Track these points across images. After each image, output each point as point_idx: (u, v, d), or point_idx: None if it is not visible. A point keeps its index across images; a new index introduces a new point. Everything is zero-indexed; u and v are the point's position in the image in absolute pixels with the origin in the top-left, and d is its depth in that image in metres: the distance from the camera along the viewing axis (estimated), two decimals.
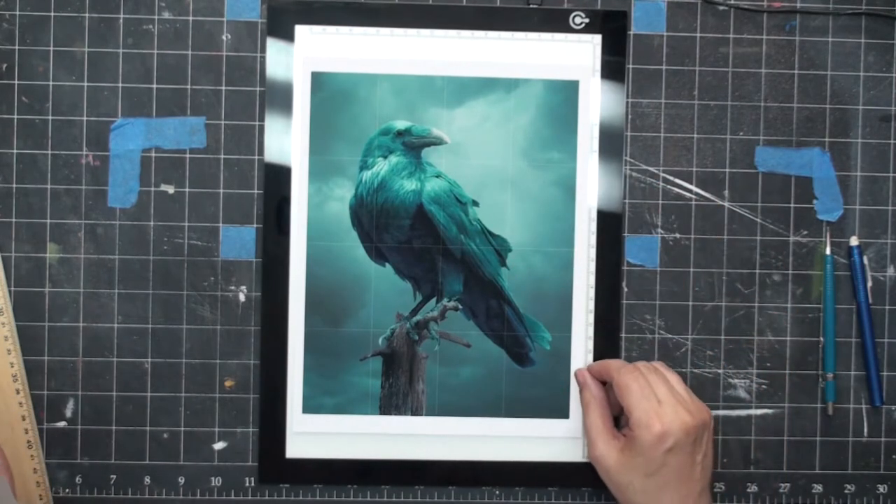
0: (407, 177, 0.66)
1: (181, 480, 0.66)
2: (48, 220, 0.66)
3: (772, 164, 0.67)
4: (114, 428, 0.66)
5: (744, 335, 0.67)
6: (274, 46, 0.66)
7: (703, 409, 0.60)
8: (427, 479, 0.67)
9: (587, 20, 0.66)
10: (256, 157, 0.66)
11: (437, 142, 0.66)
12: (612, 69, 0.66)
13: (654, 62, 0.67)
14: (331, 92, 0.65)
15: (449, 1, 0.66)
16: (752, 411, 0.68)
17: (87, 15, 0.66)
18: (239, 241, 0.66)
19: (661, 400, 0.59)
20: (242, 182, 0.66)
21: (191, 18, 0.66)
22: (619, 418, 0.65)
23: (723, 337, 0.67)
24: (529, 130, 0.66)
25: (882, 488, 0.68)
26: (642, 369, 0.61)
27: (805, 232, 0.67)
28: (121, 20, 0.66)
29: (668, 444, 0.58)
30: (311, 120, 0.65)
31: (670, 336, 0.67)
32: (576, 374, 0.65)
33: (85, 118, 0.66)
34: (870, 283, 0.67)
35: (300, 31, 0.65)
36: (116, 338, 0.66)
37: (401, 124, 0.66)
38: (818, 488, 0.68)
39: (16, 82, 0.65)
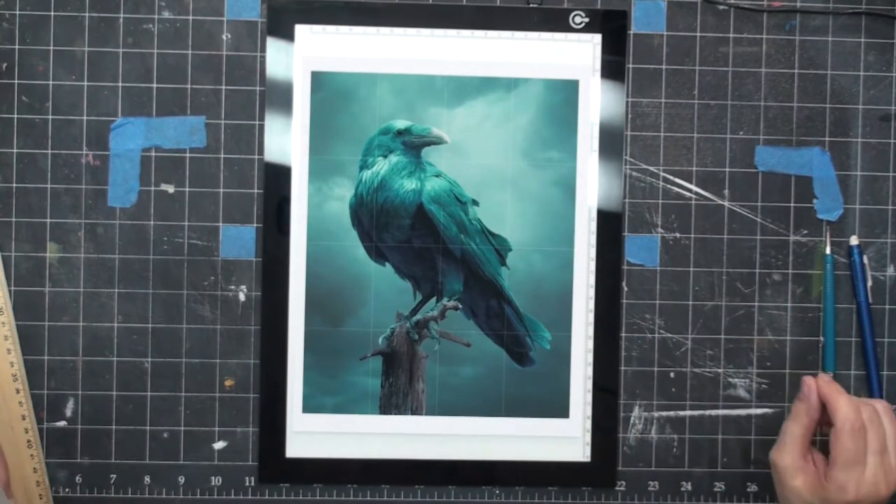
0: (407, 176, 0.66)
1: (181, 480, 0.66)
2: (48, 220, 0.66)
3: (772, 163, 0.67)
4: (114, 427, 0.66)
5: (744, 335, 0.67)
6: (274, 46, 0.66)
7: None
8: (427, 479, 0.67)
9: (587, 20, 0.66)
10: (256, 157, 0.66)
11: (437, 141, 0.66)
12: (612, 69, 0.66)
13: (654, 62, 0.67)
14: (331, 91, 0.65)
15: (449, 1, 0.66)
16: (752, 411, 0.68)
17: (87, 14, 0.66)
18: (239, 241, 0.66)
19: (867, 466, 0.58)
20: (242, 182, 0.66)
21: (191, 18, 0.66)
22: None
23: (723, 336, 0.67)
24: (529, 130, 0.66)
25: None
26: (867, 422, 0.59)
27: (805, 231, 0.67)
28: (121, 20, 0.66)
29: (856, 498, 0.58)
30: (311, 119, 0.65)
31: (670, 336, 0.67)
32: (804, 381, 0.62)
33: (85, 118, 0.66)
34: (870, 283, 0.67)
35: (300, 30, 0.65)
36: (116, 337, 0.66)
37: (401, 124, 0.66)
38: None
39: (16, 82, 0.65)
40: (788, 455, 0.60)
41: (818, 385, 0.61)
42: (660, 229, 0.67)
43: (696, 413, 0.67)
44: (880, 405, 0.61)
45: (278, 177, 0.66)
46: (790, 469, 0.60)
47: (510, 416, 0.66)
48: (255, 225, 0.66)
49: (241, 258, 0.66)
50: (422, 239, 0.66)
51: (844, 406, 0.59)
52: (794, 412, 0.62)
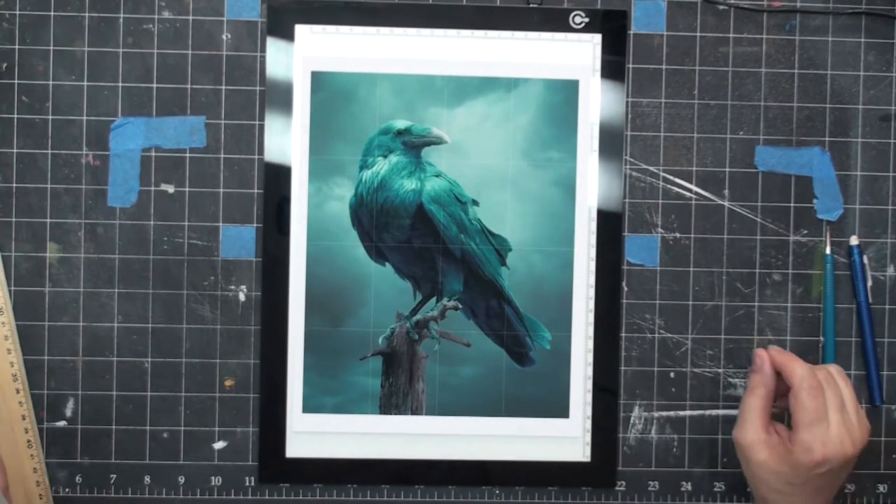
0: (407, 176, 0.66)
1: (181, 480, 0.66)
2: (48, 220, 0.66)
3: (772, 163, 0.67)
4: (114, 427, 0.66)
5: (744, 335, 0.67)
6: (274, 46, 0.66)
7: (866, 432, 0.60)
8: (427, 479, 0.67)
9: (587, 20, 0.66)
10: (256, 157, 0.66)
11: (437, 141, 0.66)
12: (612, 69, 0.66)
13: (654, 62, 0.67)
14: (331, 92, 0.65)
15: (449, 1, 0.66)
16: None
17: (87, 14, 0.66)
18: (239, 241, 0.66)
19: (830, 424, 0.59)
20: (242, 182, 0.66)
21: (191, 18, 0.66)
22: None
23: (723, 336, 0.67)
24: (529, 130, 0.66)
25: (882, 488, 0.68)
26: (823, 382, 0.60)
27: (805, 231, 0.67)
28: (121, 20, 0.66)
29: (822, 469, 0.58)
30: (311, 119, 0.65)
31: (670, 335, 0.67)
32: (755, 353, 0.62)
33: (85, 118, 0.66)
34: (870, 283, 0.67)
35: (300, 30, 0.65)
36: (116, 337, 0.66)
37: (401, 124, 0.66)
38: None
39: (16, 82, 0.65)
40: (751, 430, 0.60)
41: (770, 355, 0.61)
42: (660, 229, 0.67)
43: (696, 413, 0.67)
44: (833, 368, 0.61)
45: (278, 177, 0.66)
46: (755, 444, 0.60)
47: (510, 416, 0.66)
48: (255, 225, 0.66)
49: (241, 258, 0.66)
50: (422, 239, 0.66)
51: (799, 368, 0.60)
52: (751, 385, 0.62)
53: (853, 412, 0.60)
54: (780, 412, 0.64)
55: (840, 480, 0.60)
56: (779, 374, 0.61)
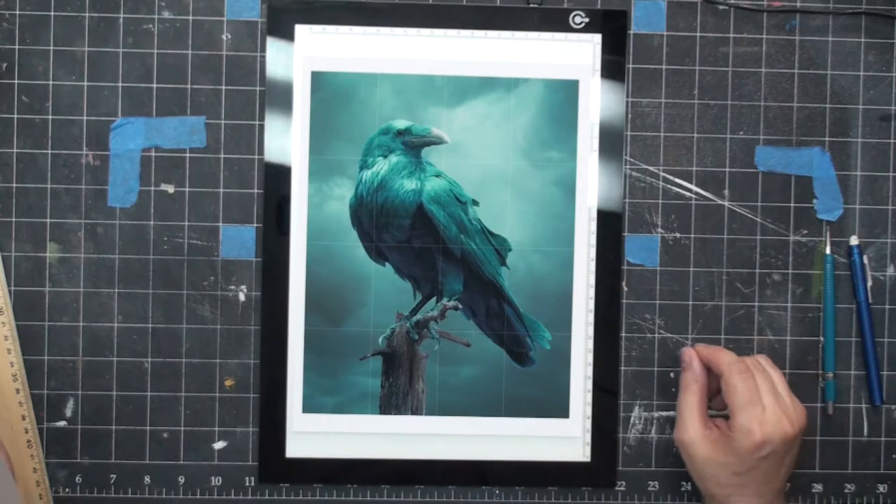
0: (407, 176, 0.66)
1: (181, 480, 0.66)
2: (48, 220, 0.66)
3: (772, 163, 0.67)
4: (114, 428, 0.66)
5: (744, 335, 0.67)
6: (274, 46, 0.66)
7: (802, 414, 0.61)
8: (427, 479, 0.67)
9: (587, 20, 0.66)
10: (256, 157, 0.66)
11: (437, 141, 0.66)
12: (612, 69, 0.66)
13: (654, 62, 0.67)
14: (331, 92, 0.66)
15: (449, 1, 0.66)
16: None
17: (87, 14, 0.66)
18: (239, 241, 0.66)
19: (765, 406, 0.59)
20: (242, 182, 0.66)
21: (191, 18, 0.66)
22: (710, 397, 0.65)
23: (723, 336, 0.67)
24: (529, 130, 0.66)
25: (882, 488, 0.68)
26: (752, 368, 0.61)
27: (805, 231, 0.67)
28: (121, 20, 0.66)
29: (764, 451, 0.59)
30: (311, 119, 0.65)
31: (670, 335, 0.67)
32: (682, 352, 0.64)
33: (85, 118, 0.66)
34: (870, 283, 0.67)
35: (300, 30, 0.65)
36: (116, 337, 0.66)
37: (401, 124, 0.66)
38: (818, 488, 0.68)
39: (16, 82, 0.65)
40: (690, 427, 0.61)
41: (697, 350, 0.63)
42: (660, 229, 0.67)
43: None
44: (762, 357, 0.63)
45: (278, 177, 0.66)
46: (696, 441, 0.61)
47: (510, 416, 0.66)
48: (255, 225, 0.66)
49: (241, 258, 0.66)
50: (422, 239, 0.66)
51: (726, 356, 0.62)
52: (683, 384, 0.63)
53: (786, 395, 0.61)
54: (719, 410, 0.64)
55: (786, 467, 0.61)
56: (711, 372, 0.63)
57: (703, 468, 0.61)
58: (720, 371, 0.61)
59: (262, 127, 0.66)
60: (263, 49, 0.66)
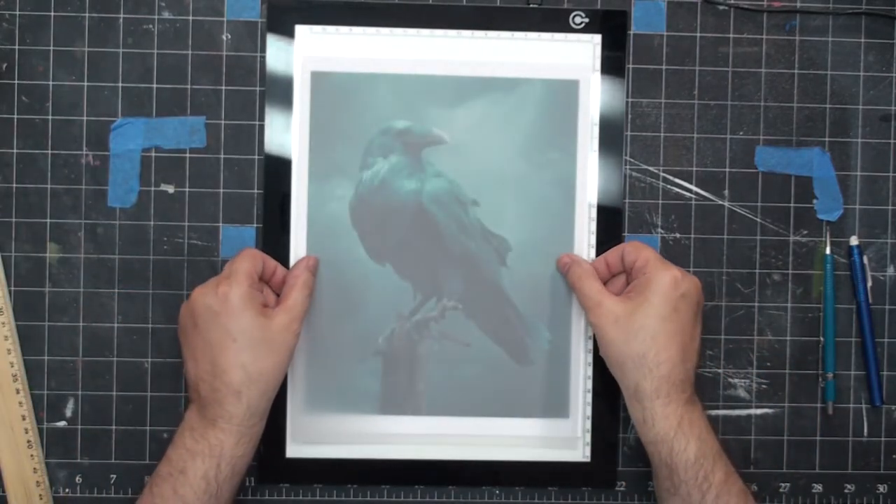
0: (407, 176, 0.66)
1: None
2: (48, 220, 0.66)
3: (772, 163, 0.67)
4: (114, 428, 0.66)
5: (744, 335, 0.67)
6: (274, 46, 0.66)
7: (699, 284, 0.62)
8: (427, 479, 0.67)
9: (587, 20, 0.66)
10: (256, 157, 0.66)
11: (437, 141, 0.66)
12: (612, 69, 0.66)
13: (654, 62, 0.67)
14: (331, 92, 0.65)
15: (449, 1, 0.66)
16: (752, 411, 0.68)
17: (87, 15, 0.66)
18: (239, 241, 0.66)
19: (670, 266, 0.61)
20: (242, 182, 0.66)
21: (191, 18, 0.66)
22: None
23: (723, 337, 0.67)
24: (529, 130, 0.66)
25: (882, 488, 0.68)
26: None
27: (805, 232, 0.67)
28: (121, 20, 0.66)
29: (682, 289, 0.60)
30: (311, 120, 0.65)
31: None
32: (559, 259, 0.65)
33: (85, 118, 0.66)
34: (870, 283, 0.67)
35: (300, 30, 0.65)
36: (116, 338, 0.66)
37: (401, 124, 0.66)
38: (818, 488, 0.68)
39: (16, 82, 0.65)
40: (606, 301, 0.61)
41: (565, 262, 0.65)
42: (660, 229, 0.67)
43: None
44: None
45: (278, 177, 0.66)
46: (613, 308, 0.60)
47: (510, 417, 0.66)
48: (255, 225, 0.66)
49: None
50: (422, 239, 0.66)
51: (606, 255, 0.65)
52: (575, 278, 0.63)
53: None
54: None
55: (699, 336, 0.61)
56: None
57: (629, 323, 0.59)
58: (615, 254, 0.63)
59: (262, 127, 0.66)
60: (263, 49, 0.66)
